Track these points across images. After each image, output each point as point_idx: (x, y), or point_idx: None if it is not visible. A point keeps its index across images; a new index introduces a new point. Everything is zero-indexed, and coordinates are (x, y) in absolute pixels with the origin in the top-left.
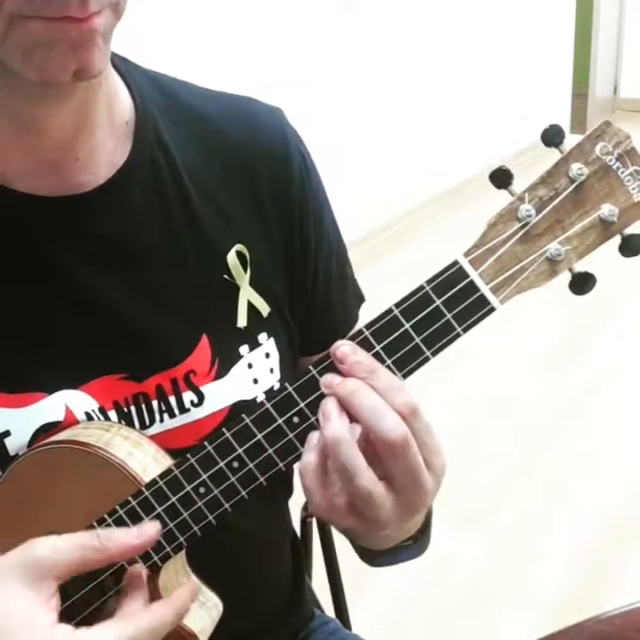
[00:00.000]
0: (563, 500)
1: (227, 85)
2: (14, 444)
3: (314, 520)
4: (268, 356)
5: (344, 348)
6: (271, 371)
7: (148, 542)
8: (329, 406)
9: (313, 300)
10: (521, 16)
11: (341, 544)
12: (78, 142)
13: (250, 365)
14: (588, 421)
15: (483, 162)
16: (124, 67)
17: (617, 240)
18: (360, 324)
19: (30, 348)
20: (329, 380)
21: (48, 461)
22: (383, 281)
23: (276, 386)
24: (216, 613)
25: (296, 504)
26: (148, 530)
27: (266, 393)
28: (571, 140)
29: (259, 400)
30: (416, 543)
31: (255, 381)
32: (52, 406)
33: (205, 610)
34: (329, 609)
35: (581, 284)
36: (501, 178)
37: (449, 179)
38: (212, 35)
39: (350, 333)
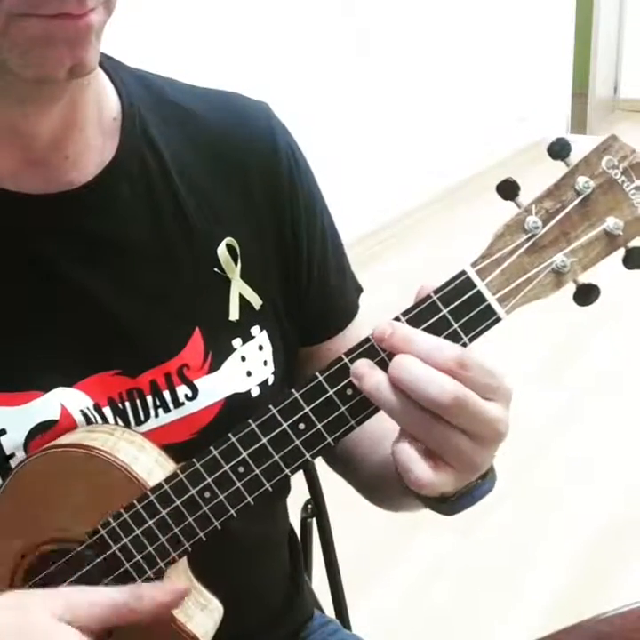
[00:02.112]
0: (560, 504)
1: (224, 87)
2: (10, 442)
3: (313, 520)
4: (260, 348)
5: (379, 331)
6: (265, 363)
7: (179, 600)
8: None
9: (309, 289)
10: (521, 16)
11: (341, 545)
12: (68, 140)
13: (243, 358)
14: (586, 426)
15: (482, 162)
16: (109, 64)
17: (621, 253)
18: (359, 322)
19: (24, 347)
20: (360, 371)
21: (53, 465)
22: (383, 281)
23: (270, 378)
24: (217, 616)
25: (296, 504)
26: (179, 588)
27: (260, 386)
28: (571, 141)
29: (253, 393)
30: (486, 478)
31: (249, 374)
32: (48, 405)
33: (207, 613)
34: (329, 609)
35: (585, 295)
36: (508, 189)
37: (448, 179)
38: (210, 36)
39: (359, 341)
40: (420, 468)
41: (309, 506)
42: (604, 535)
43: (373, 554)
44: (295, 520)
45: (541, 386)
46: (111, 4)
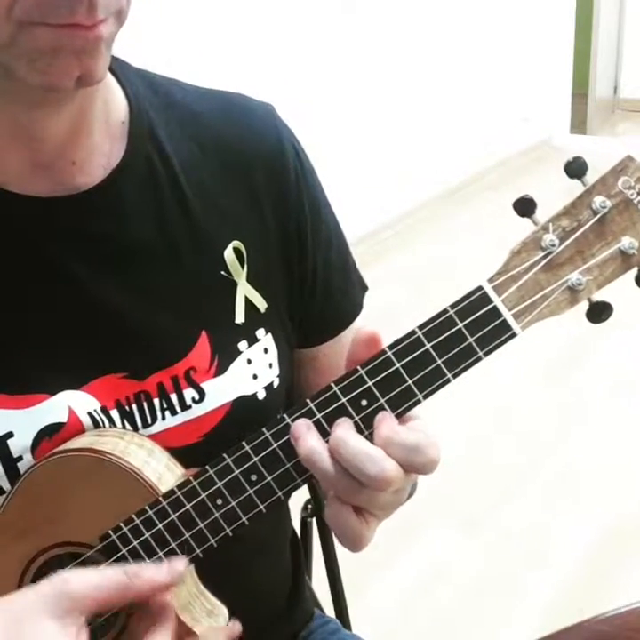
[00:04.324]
0: (564, 506)
1: (225, 85)
2: (17, 445)
3: (314, 520)
4: (266, 351)
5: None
6: (270, 366)
7: (177, 579)
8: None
9: (314, 290)
10: (521, 16)
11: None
12: (75, 146)
13: (249, 361)
14: (591, 427)
15: (483, 162)
16: (116, 66)
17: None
18: (359, 318)
19: (31, 350)
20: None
21: (64, 469)
22: (386, 280)
23: (276, 381)
24: (223, 621)
25: (296, 504)
26: (177, 566)
27: (266, 388)
28: (571, 141)
29: (259, 396)
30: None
31: (255, 377)
32: (55, 407)
33: (213, 618)
34: (329, 609)
35: (598, 312)
36: (525, 206)
37: (450, 178)
38: (211, 35)
39: (373, 354)
40: (356, 531)
41: (309, 506)
42: (606, 535)
43: (374, 553)
44: (295, 520)
45: (548, 385)
46: (123, 14)
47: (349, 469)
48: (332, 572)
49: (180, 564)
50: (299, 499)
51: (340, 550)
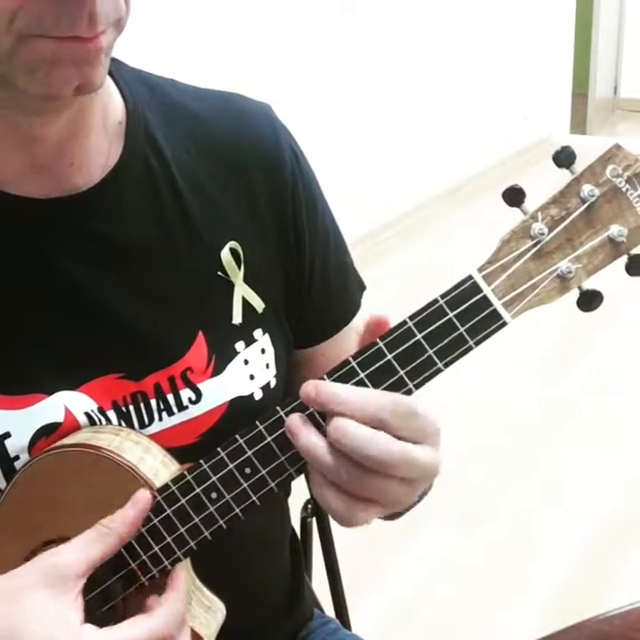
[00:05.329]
0: (561, 501)
1: (225, 86)
2: (14, 445)
3: (314, 520)
4: (263, 351)
5: (304, 393)
6: (267, 366)
7: (144, 508)
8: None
9: (311, 290)
10: (521, 16)
11: (341, 545)
12: (73, 148)
13: (246, 362)
14: (587, 422)
15: (483, 162)
16: (114, 66)
17: (624, 259)
18: (356, 324)
19: (28, 350)
20: (294, 428)
21: (60, 465)
22: (385, 280)
23: (272, 382)
24: (220, 617)
25: (296, 504)
26: (140, 496)
27: (262, 389)
28: (571, 141)
29: (256, 397)
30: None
31: (251, 377)
32: (52, 407)
33: (211, 614)
34: (329, 609)
35: (589, 301)
36: (514, 196)
37: (449, 178)
38: (211, 35)
39: (365, 345)
40: (351, 513)
41: (309, 505)
42: (604, 532)
43: (374, 553)
44: (295, 520)
45: (543, 382)
46: (122, 23)
47: (353, 455)
48: (332, 572)
49: (142, 493)
50: (299, 499)
51: (340, 550)
